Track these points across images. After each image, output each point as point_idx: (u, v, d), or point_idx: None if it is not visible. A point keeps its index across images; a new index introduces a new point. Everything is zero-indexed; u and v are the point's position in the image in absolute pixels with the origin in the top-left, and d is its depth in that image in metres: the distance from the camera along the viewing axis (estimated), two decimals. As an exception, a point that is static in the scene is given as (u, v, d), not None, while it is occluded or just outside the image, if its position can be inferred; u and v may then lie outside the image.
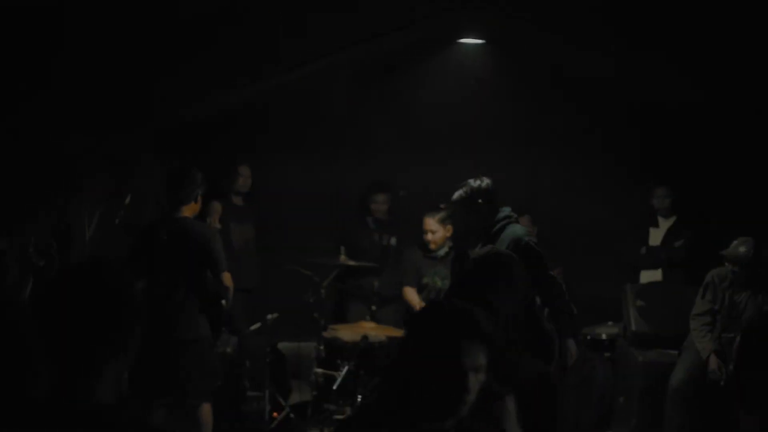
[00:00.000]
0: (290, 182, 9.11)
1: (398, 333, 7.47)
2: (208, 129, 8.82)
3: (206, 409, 6.42)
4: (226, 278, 6.45)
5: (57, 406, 2.22)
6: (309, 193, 9.16)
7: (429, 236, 7.94)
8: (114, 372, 2.29)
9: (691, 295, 7.34)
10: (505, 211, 6.12)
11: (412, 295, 8.02)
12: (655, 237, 8.66)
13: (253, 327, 7.86)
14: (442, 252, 7.96)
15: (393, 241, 8.79)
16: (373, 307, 7.91)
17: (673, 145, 8.87)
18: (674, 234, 8.56)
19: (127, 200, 7.29)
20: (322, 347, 7.46)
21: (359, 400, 6.76)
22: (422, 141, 9.26)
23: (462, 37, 8.97)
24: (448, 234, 7.91)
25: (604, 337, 8.26)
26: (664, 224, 8.66)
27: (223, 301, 6.97)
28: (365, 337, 7.23)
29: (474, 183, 5.99)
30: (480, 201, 5.95)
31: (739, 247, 6.92)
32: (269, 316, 7.81)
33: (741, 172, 8.35)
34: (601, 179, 9.11)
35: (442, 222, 7.87)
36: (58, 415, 2.20)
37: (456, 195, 6.06)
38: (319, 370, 7.35)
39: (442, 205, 7.93)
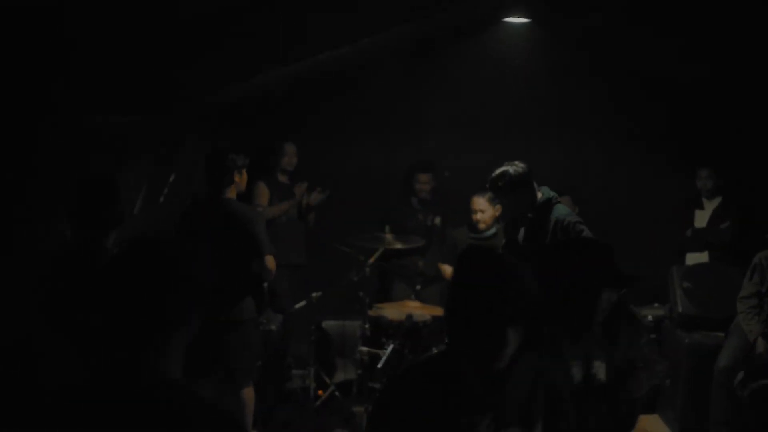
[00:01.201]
0: (335, 161, 9.14)
1: (443, 312, 7.48)
2: (254, 108, 8.86)
3: (249, 391, 6.47)
4: (269, 261, 6.48)
5: (122, 381, 2.25)
6: (354, 172, 9.19)
7: (478, 216, 7.92)
8: (176, 347, 2.32)
9: (738, 276, 7.27)
10: (546, 191, 6.15)
11: (450, 273, 8.01)
12: (701, 219, 8.60)
13: (298, 305, 7.89)
14: (489, 233, 7.94)
15: (437, 220, 8.78)
16: (418, 287, 7.93)
17: (717, 125, 8.79)
18: (720, 216, 8.48)
19: (171, 179, 7.33)
20: (367, 326, 7.49)
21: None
22: (467, 121, 9.24)
23: (507, 16, 8.91)
24: (497, 213, 7.89)
25: (650, 318, 8.22)
26: (709, 206, 8.59)
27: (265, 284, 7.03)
28: (410, 316, 7.26)
29: (509, 169, 6.02)
30: (518, 186, 5.99)
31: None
32: (314, 295, 7.85)
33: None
34: (645, 161, 9.06)
35: (490, 201, 7.85)
36: (123, 391, 2.23)
37: (490, 183, 6.10)
38: (364, 349, 7.38)
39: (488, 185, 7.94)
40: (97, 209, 4.75)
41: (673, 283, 7.88)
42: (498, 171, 6.10)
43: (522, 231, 6.26)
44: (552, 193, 6.20)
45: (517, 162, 6.12)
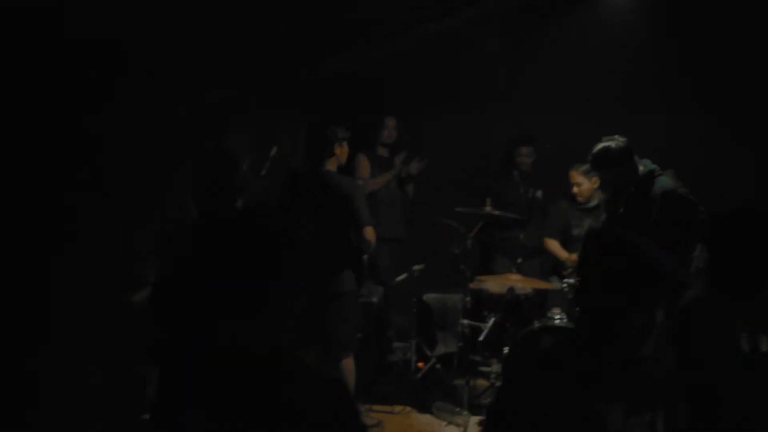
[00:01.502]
0: (436, 134, 9.13)
1: (544, 285, 7.45)
2: (354, 81, 8.89)
3: (349, 362, 6.52)
4: (369, 233, 6.50)
5: (236, 352, 2.28)
6: (455, 145, 9.17)
7: (575, 189, 7.85)
8: (288, 319, 2.34)
9: None
10: (648, 164, 6.09)
11: (555, 246, 7.95)
12: None
13: (399, 278, 7.92)
14: (591, 204, 7.85)
15: (539, 193, 8.70)
16: (519, 260, 7.88)
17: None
18: None
19: (273, 152, 7.40)
20: (468, 299, 7.48)
21: (505, 352, 6.76)
22: (570, 94, 9.13)
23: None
24: (595, 185, 7.79)
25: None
26: None
27: (365, 257, 7.07)
28: (511, 289, 7.23)
29: (607, 143, 6.00)
30: (620, 160, 5.95)
31: None
32: (415, 267, 7.86)
33: None
34: (748, 136, 8.82)
35: (586, 174, 7.76)
36: (238, 362, 2.26)
37: (592, 158, 6.07)
38: (465, 322, 7.37)
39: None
40: (220, 180, 4.86)
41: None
42: (598, 146, 6.08)
43: (623, 208, 6.21)
44: (654, 166, 6.14)
45: (617, 136, 6.08)
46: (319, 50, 7.85)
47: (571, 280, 6.96)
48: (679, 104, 9.00)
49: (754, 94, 8.74)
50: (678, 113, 8.97)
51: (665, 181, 6.06)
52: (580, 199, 7.85)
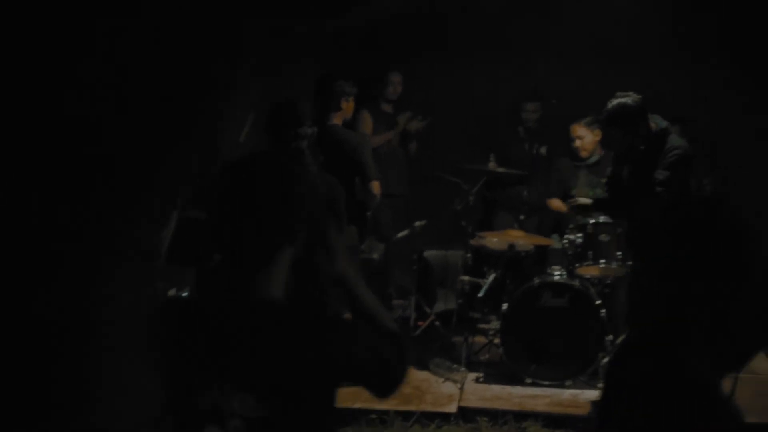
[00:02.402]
0: (440, 89, 9.08)
1: (545, 241, 7.40)
2: (362, 35, 8.81)
3: (347, 317, 6.47)
4: (375, 186, 6.49)
5: (233, 299, 2.29)
6: (459, 101, 9.11)
7: (577, 143, 7.77)
8: (287, 260, 2.31)
9: None
10: (659, 121, 6.01)
11: (557, 203, 7.89)
12: None
13: (400, 234, 7.87)
14: (592, 160, 7.77)
15: (543, 150, 8.63)
16: (522, 216, 7.83)
17: None
18: None
19: (250, 118, 7.36)
20: (468, 255, 7.44)
21: (504, 308, 6.72)
22: (578, 49, 9.02)
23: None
24: (597, 138, 7.70)
25: None
26: None
27: (368, 213, 7.03)
28: (512, 246, 7.16)
29: (624, 100, 5.90)
30: (633, 118, 5.88)
31: None
32: (417, 224, 7.82)
33: None
34: (754, 88, 8.69)
35: (589, 126, 7.67)
36: (234, 309, 2.27)
37: (608, 115, 5.98)
38: (466, 278, 7.34)
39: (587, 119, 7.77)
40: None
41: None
42: (614, 102, 5.99)
43: (630, 166, 6.15)
44: (665, 123, 6.08)
45: (631, 93, 5.99)
46: (325, 6, 7.77)
47: (572, 236, 6.89)
48: (685, 57, 8.89)
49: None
50: (689, 67, 8.86)
51: (675, 140, 6.01)
52: (582, 153, 7.77)
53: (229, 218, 2.30)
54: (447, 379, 6.76)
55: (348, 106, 6.73)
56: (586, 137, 7.70)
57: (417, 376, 6.89)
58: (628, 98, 5.94)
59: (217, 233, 2.33)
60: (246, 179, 2.30)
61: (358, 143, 6.58)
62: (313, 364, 2.20)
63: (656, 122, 6.07)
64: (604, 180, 6.88)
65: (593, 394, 6.29)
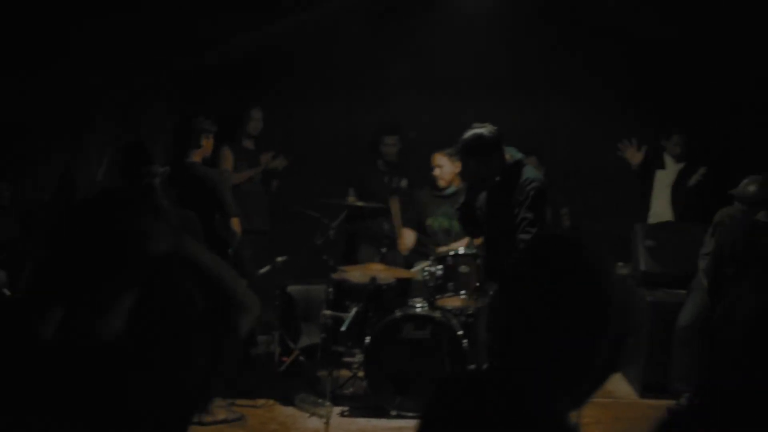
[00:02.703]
0: (301, 124, 9.13)
1: (407, 274, 7.50)
2: (219, 73, 8.81)
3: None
4: (234, 223, 6.49)
5: (70, 344, 2.25)
6: (320, 135, 9.18)
7: (437, 171, 7.85)
8: (124, 306, 2.30)
9: (700, 234, 7.30)
10: (513, 152, 6.13)
11: (407, 237, 8.02)
12: (662, 178, 8.57)
13: (262, 270, 7.87)
14: (450, 190, 7.88)
15: (403, 183, 8.75)
16: (383, 249, 7.91)
17: (680, 86, 8.80)
18: (687, 174, 8.46)
19: (108, 155, 7.31)
20: (331, 289, 7.48)
21: (367, 341, 6.78)
22: (433, 81, 9.22)
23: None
24: (457, 170, 7.82)
25: (614, 277, 8.24)
26: (673, 167, 8.56)
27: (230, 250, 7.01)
28: (374, 279, 7.24)
29: (480, 131, 5.97)
30: (489, 148, 5.95)
31: (749, 186, 6.83)
32: (279, 259, 7.83)
33: (753, 113, 8.26)
34: (609, 119, 9.04)
35: (450, 156, 7.79)
36: (71, 354, 2.24)
37: (463, 145, 6.04)
38: (328, 312, 7.36)
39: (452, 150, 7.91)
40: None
41: (636, 241, 7.90)
42: (470, 133, 6.02)
43: (484, 195, 6.23)
44: (520, 155, 6.18)
45: (487, 124, 6.07)
46: (188, 43, 7.75)
47: (432, 268, 7.00)
48: (543, 89, 9.18)
49: (614, 74, 8.97)
50: (541, 98, 9.15)
51: (530, 172, 6.11)
52: (440, 182, 7.85)
53: (69, 256, 2.28)
54: (313, 414, 6.76)
55: (208, 143, 6.72)
56: (445, 167, 7.80)
57: (283, 411, 6.89)
58: (483, 129, 5.99)
59: (56, 270, 2.31)
60: (87, 218, 2.30)
61: (218, 180, 6.58)
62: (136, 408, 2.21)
63: (511, 154, 6.15)
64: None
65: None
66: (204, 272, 2.55)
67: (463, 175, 7.15)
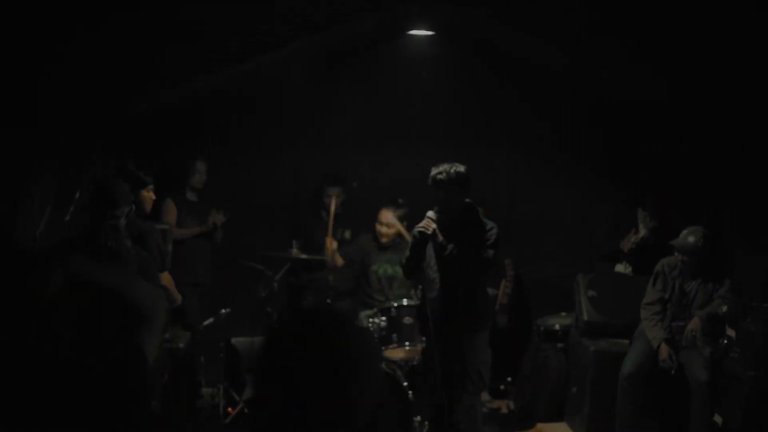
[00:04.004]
0: (245, 175, 9.11)
1: (351, 326, 7.48)
2: (163, 123, 8.76)
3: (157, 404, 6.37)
4: (164, 278, 6.42)
5: None
6: (263, 187, 9.16)
7: (383, 229, 7.92)
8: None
9: (641, 284, 7.41)
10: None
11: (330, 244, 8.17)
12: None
13: (206, 322, 7.84)
14: (392, 242, 7.98)
15: (347, 234, 8.75)
16: (328, 300, 7.90)
17: (626, 138, 8.95)
18: (653, 238, 8.51)
19: (77, 197, 7.23)
20: (275, 341, 7.43)
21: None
22: (377, 132, 9.26)
23: (412, 29, 8.93)
24: (401, 230, 7.89)
25: (557, 327, 8.33)
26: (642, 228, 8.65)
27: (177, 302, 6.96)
28: (318, 331, 7.20)
29: (461, 168, 6.16)
30: (462, 182, 6.14)
31: (688, 236, 6.98)
32: (223, 311, 7.82)
33: (698, 166, 8.40)
34: (552, 170, 9.17)
35: (398, 216, 7.87)
36: None
37: (440, 174, 6.14)
38: (273, 364, 7.31)
39: (400, 200, 7.95)
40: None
41: (578, 292, 7.98)
42: (446, 165, 6.18)
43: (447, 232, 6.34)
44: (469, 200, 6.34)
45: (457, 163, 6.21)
46: (128, 93, 7.72)
47: (377, 320, 7.03)
48: (487, 140, 9.27)
49: (560, 124, 9.10)
50: (485, 149, 9.23)
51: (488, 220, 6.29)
52: (384, 240, 7.95)
53: None
54: (258, 467, 6.68)
55: (147, 195, 6.66)
56: (393, 228, 7.90)
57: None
58: (460, 166, 6.18)
59: None
60: None
61: (146, 233, 6.49)
62: None
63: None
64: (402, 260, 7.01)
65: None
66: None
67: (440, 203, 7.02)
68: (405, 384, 6.72)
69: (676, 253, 7.09)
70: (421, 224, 6.21)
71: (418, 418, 6.64)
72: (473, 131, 9.31)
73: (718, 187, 8.06)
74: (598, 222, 8.96)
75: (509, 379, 8.70)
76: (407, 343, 6.89)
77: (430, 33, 8.94)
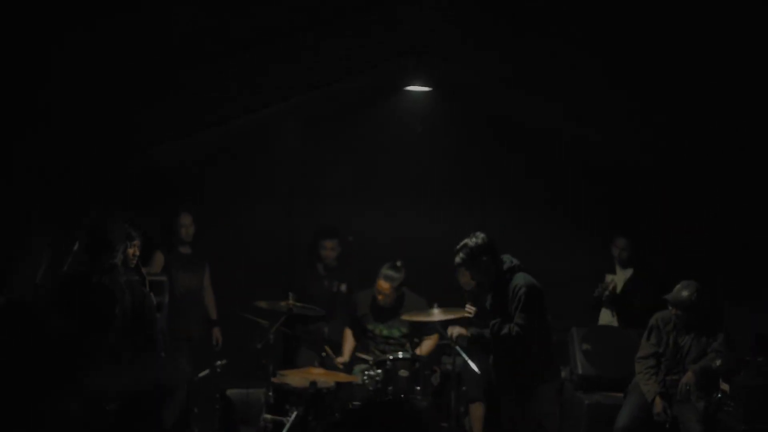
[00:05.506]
0: (241, 230, 9.15)
1: (347, 378, 7.50)
2: (158, 177, 8.80)
3: None
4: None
5: None
6: (259, 240, 9.19)
7: (380, 297, 8.01)
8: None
9: (635, 338, 7.44)
10: (508, 259, 6.32)
11: (346, 335, 8.26)
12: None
13: (201, 374, 7.84)
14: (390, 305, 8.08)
15: (343, 287, 8.77)
16: (324, 354, 7.91)
17: (619, 196, 9.04)
18: (632, 284, 8.60)
19: (75, 247, 7.26)
20: (270, 393, 7.44)
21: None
22: (373, 187, 9.34)
23: (409, 85, 9.04)
24: (398, 294, 7.99)
25: (552, 381, 8.33)
26: (621, 274, 8.71)
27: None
28: (314, 383, 7.22)
29: (472, 242, 6.21)
30: (483, 257, 6.14)
31: (682, 291, 7.02)
32: (218, 363, 7.81)
33: (688, 224, 8.48)
34: (549, 225, 9.22)
35: (394, 288, 7.94)
36: None
37: (459, 259, 6.23)
38: (268, 416, 7.32)
39: (398, 263, 8.00)
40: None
41: (573, 346, 8.01)
42: (460, 244, 6.26)
43: (489, 297, 6.40)
44: (515, 261, 6.34)
45: (477, 233, 6.27)
46: (118, 147, 7.78)
47: (372, 372, 7.04)
48: (484, 194, 9.34)
49: (555, 181, 9.18)
50: (482, 203, 9.30)
51: (519, 278, 6.29)
52: (381, 298, 8.01)
53: None
54: None
55: (133, 251, 6.71)
56: (390, 296, 7.96)
57: None
58: (470, 239, 6.30)
59: None
60: None
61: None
62: None
63: (505, 260, 6.38)
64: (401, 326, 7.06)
65: None
66: None
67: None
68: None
69: (669, 308, 7.13)
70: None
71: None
72: (470, 187, 9.40)
73: (709, 242, 8.13)
74: (589, 277, 9.01)
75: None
76: (402, 396, 6.91)
77: (427, 89, 9.05)
